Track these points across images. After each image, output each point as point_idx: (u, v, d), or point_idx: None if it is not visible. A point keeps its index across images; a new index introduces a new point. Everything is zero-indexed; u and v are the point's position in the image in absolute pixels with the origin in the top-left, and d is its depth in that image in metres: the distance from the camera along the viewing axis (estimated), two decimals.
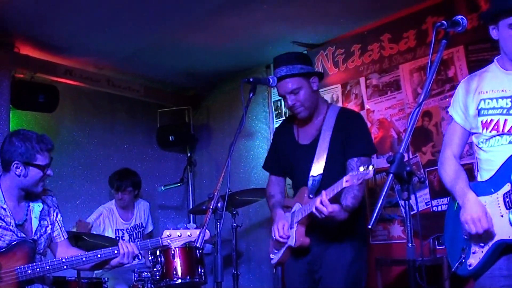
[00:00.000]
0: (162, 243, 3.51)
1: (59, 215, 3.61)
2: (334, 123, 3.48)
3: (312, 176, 3.44)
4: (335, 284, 3.32)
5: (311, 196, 3.39)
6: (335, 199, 3.11)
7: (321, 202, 3.05)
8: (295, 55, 3.59)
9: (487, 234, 2.56)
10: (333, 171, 3.39)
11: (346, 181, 2.94)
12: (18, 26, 5.13)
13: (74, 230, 4.95)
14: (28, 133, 3.36)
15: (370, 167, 2.83)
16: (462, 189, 2.70)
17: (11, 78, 5.49)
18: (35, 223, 3.41)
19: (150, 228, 5.92)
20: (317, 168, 3.45)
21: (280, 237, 3.42)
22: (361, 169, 2.86)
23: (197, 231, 3.49)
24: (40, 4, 4.63)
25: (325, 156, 3.43)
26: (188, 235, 3.51)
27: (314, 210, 3.12)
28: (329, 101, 5.41)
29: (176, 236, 3.50)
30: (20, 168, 3.29)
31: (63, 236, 3.60)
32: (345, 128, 3.46)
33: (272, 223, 3.59)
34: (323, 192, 3.08)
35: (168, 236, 3.50)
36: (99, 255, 3.36)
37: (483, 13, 2.71)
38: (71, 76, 5.97)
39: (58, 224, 3.59)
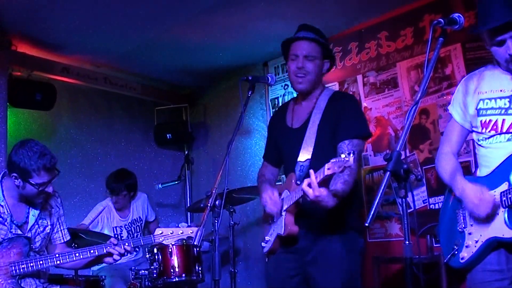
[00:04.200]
0: (154, 241, 3.57)
1: (62, 217, 3.63)
2: (325, 106, 3.33)
3: (299, 161, 3.30)
4: (330, 278, 3.17)
5: (298, 182, 3.24)
6: (324, 184, 2.92)
7: (309, 184, 2.88)
8: (324, 34, 3.46)
9: (494, 209, 2.57)
10: (322, 157, 3.16)
11: (328, 169, 2.78)
12: (15, 24, 5.12)
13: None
14: (33, 148, 3.32)
15: (351, 155, 2.67)
16: (460, 182, 2.73)
17: (8, 76, 5.48)
18: (31, 220, 3.43)
19: (152, 217, 5.89)
20: (305, 153, 3.30)
21: (274, 204, 3.29)
22: (343, 155, 2.71)
23: (189, 229, 3.59)
24: (37, 2, 4.63)
25: (313, 141, 3.29)
26: (180, 233, 3.58)
27: (301, 193, 2.98)
28: None
29: (168, 234, 3.57)
30: (18, 180, 3.32)
31: (63, 238, 3.63)
32: (336, 110, 3.29)
33: (260, 197, 3.46)
34: (312, 173, 2.88)
35: (160, 234, 3.57)
36: (92, 251, 3.39)
37: (470, 29, 2.73)
38: (68, 74, 5.98)
39: (60, 226, 3.62)
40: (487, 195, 2.58)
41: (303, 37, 3.35)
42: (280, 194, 3.39)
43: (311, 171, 2.89)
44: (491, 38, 2.59)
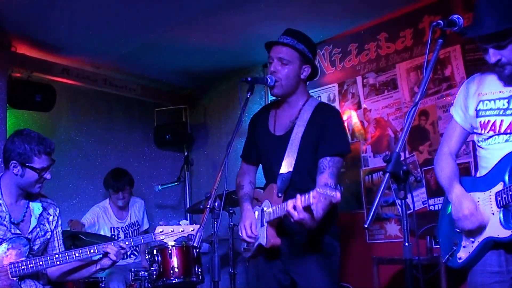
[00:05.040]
0: (155, 239, 3.50)
1: (59, 228, 3.62)
2: (310, 117, 3.33)
3: (281, 173, 3.31)
4: (314, 282, 3.22)
5: (279, 195, 3.27)
6: (308, 210, 2.92)
7: (294, 207, 2.89)
8: (307, 39, 3.47)
9: (479, 228, 2.62)
10: (303, 170, 3.27)
11: (313, 197, 2.78)
12: (15, 25, 5.12)
13: (68, 229, 4.94)
14: (31, 134, 3.37)
15: (338, 194, 2.72)
16: (453, 185, 2.76)
17: (8, 77, 5.48)
18: (33, 222, 3.42)
19: (146, 225, 5.92)
20: (287, 164, 3.30)
21: (248, 237, 3.32)
22: (328, 190, 2.75)
23: (190, 227, 3.52)
24: (37, 3, 4.63)
25: (296, 152, 3.29)
26: (181, 231, 3.51)
27: (285, 212, 3.00)
28: (326, 101, 5.42)
29: (169, 232, 3.49)
30: (18, 168, 3.32)
31: (58, 249, 3.60)
32: (320, 123, 3.29)
33: (240, 217, 3.48)
34: (298, 197, 2.89)
35: (161, 232, 3.50)
36: (91, 251, 3.37)
37: (460, 33, 2.74)
38: (68, 75, 5.98)
39: (57, 235, 3.61)
40: (479, 214, 2.62)
41: (277, 41, 3.41)
42: (260, 202, 3.42)
43: (298, 195, 2.90)
44: (478, 43, 2.64)
